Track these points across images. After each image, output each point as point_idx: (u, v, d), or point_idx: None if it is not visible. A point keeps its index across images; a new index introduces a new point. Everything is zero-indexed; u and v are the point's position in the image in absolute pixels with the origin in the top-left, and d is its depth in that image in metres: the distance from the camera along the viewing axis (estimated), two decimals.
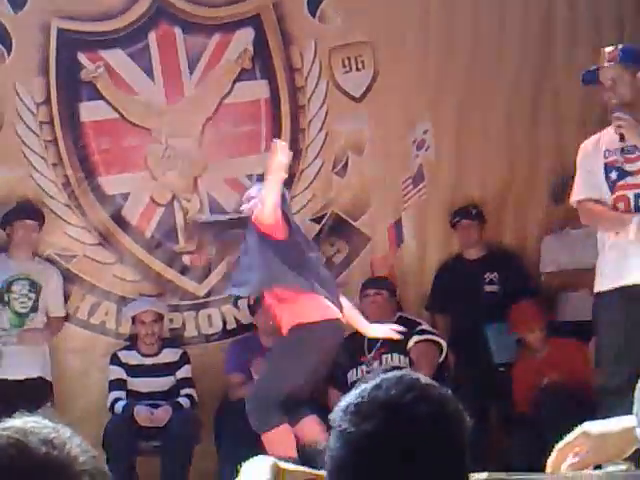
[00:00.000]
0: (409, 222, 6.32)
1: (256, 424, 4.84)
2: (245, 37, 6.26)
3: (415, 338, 5.71)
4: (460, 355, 5.97)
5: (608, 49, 4.71)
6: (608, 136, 4.71)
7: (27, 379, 5.73)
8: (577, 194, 4.74)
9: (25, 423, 1.09)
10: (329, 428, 1.34)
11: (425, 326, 5.85)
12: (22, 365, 5.75)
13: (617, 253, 4.56)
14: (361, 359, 5.82)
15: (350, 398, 1.36)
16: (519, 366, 5.73)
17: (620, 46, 4.74)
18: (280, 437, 4.77)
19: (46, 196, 6.15)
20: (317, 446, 4.10)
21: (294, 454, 4.59)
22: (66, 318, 6.10)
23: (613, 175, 4.60)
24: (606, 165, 4.62)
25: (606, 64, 4.65)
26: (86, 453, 1.09)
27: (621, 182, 4.57)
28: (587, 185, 4.69)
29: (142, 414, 5.69)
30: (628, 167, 4.59)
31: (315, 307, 4.82)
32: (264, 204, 4.76)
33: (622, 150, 4.61)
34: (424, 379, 1.36)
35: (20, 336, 5.83)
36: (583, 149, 4.77)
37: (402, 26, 6.27)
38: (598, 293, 4.62)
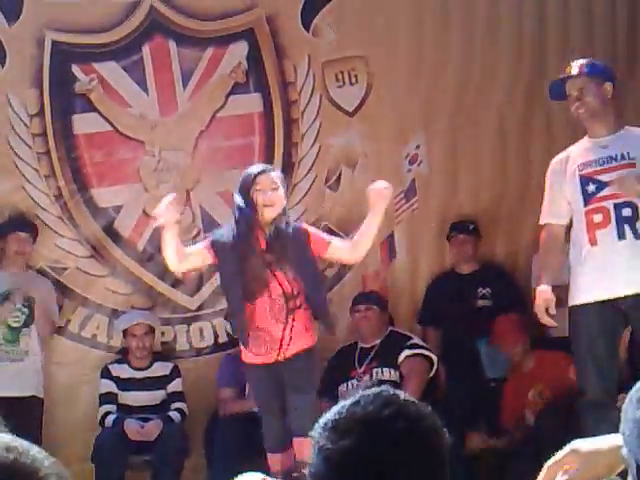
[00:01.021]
0: (401, 236, 6.32)
1: (310, 427, 4.80)
2: (239, 51, 6.28)
3: (406, 352, 5.70)
4: (451, 369, 5.96)
5: (575, 62, 4.75)
6: (579, 149, 4.73)
7: (22, 397, 5.69)
8: (542, 216, 4.85)
9: None
10: None
11: (416, 340, 5.85)
12: (16, 383, 5.73)
13: (593, 265, 4.57)
14: (352, 373, 5.81)
15: (329, 415, 1.36)
16: (509, 384, 5.73)
17: (586, 59, 4.79)
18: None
19: (38, 208, 6.15)
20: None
21: None
22: (61, 332, 6.09)
23: (591, 187, 4.62)
24: (582, 178, 4.65)
25: (574, 74, 4.69)
26: (48, 458, 1.11)
27: (600, 194, 4.59)
28: (551, 208, 4.76)
29: (132, 428, 5.67)
30: (605, 178, 4.61)
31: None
32: None
33: (597, 162, 4.64)
34: (402, 395, 1.36)
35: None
36: (551, 167, 4.81)
37: (395, 41, 6.29)
38: (574, 306, 4.62)
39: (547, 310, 4.59)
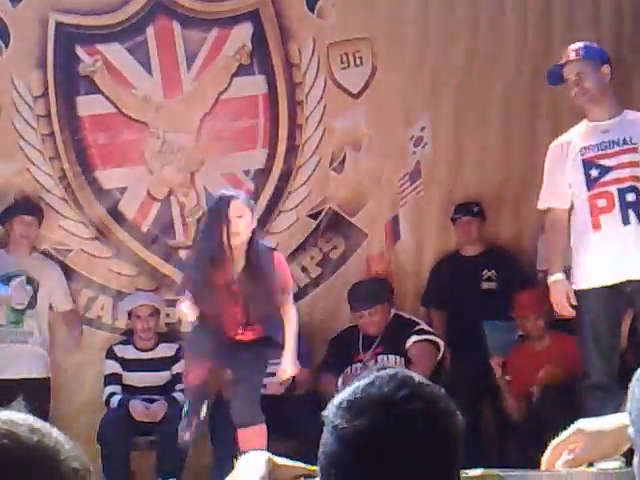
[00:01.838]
0: (406, 219, 6.32)
1: (250, 417, 4.85)
2: (243, 32, 6.26)
3: (413, 338, 5.69)
4: (456, 352, 5.97)
5: (572, 46, 4.74)
6: (579, 133, 4.72)
7: (27, 379, 5.72)
8: (541, 201, 4.83)
9: (6, 415, 1.11)
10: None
11: (423, 326, 5.84)
12: (22, 364, 5.75)
13: (596, 250, 4.57)
14: (355, 357, 5.80)
15: (343, 395, 1.37)
16: (515, 355, 5.70)
17: (582, 43, 4.77)
18: (262, 433, 4.84)
19: (42, 190, 6.15)
20: None
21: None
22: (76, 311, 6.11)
23: (594, 172, 4.61)
24: (584, 162, 4.63)
25: (571, 59, 4.67)
26: (67, 441, 1.12)
27: (604, 178, 4.58)
28: (552, 192, 4.74)
29: (137, 409, 5.69)
30: (608, 162, 4.60)
31: None
32: None
33: (599, 146, 4.63)
34: (417, 377, 1.37)
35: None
36: (551, 151, 4.79)
37: (400, 22, 6.27)
38: (578, 290, 4.62)
39: (567, 299, 4.60)
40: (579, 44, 4.76)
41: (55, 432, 1.11)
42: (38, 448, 1.08)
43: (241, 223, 4.76)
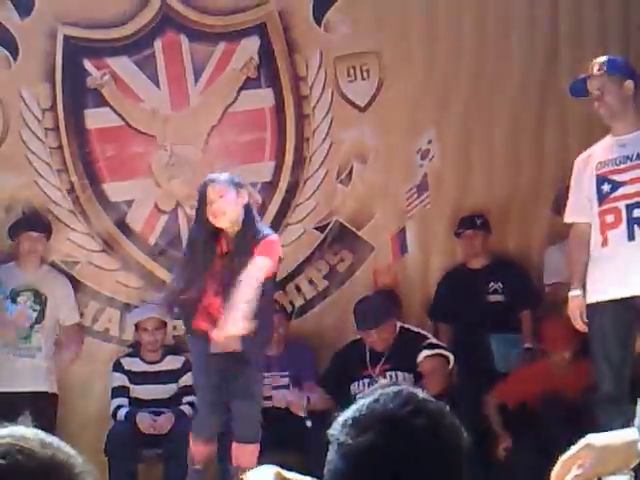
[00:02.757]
0: (413, 231, 6.32)
1: (253, 435, 4.86)
2: (251, 45, 6.28)
3: (425, 352, 5.65)
4: (462, 365, 5.96)
5: (596, 60, 4.75)
6: (601, 147, 4.73)
7: (35, 393, 5.72)
8: (566, 215, 4.85)
9: (17, 430, 1.10)
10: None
11: (432, 339, 5.81)
12: (30, 379, 5.76)
13: (604, 265, 4.58)
14: (363, 372, 5.78)
15: (349, 412, 1.37)
16: (532, 368, 5.61)
17: (606, 57, 4.78)
18: (256, 452, 4.85)
19: (50, 202, 6.17)
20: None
21: None
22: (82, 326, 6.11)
23: (606, 187, 4.63)
24: (598, 177, 4.65)
25: (595, 74, 4.69)
26: (78, 456, 1.12)
27: (614, 194, 4.59)
28: (575, 207, 4.77)
29: (144, 421, 5.69)
30: (619, 178, 4.61)
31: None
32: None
33: (615, 161, 4.64)
34: (421, 394, 1.37)
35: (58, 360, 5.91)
36: (576, 165, 4.82)
37: (408, 36, 6.28)
38: (589, 305, 4.63)
39: (581, 315, 4.61)
40: (603, 58, 4.77)
41: (66, 446, 1.11)
42: (53, 463, 1.08)
43: (223, 203, 4.71)
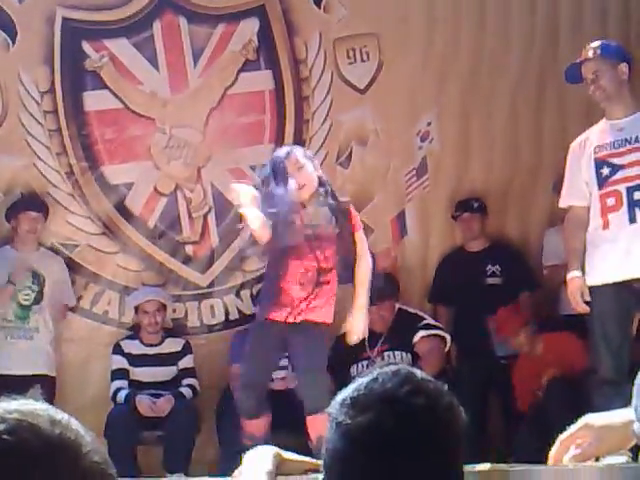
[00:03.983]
0: (412, 214, 6.32)
1: (253, 409, 4.83)
2: (250, 27, 6.26)
3: (421, 333, 5.68)
4: (462, 347, 5.98)
5: (590, 44, 4.74)
6: (597, 131, 4.73)
7: (33, 375, 5.73)
8: (562, 199, 4.84)
9: (25, 405, 1.09)
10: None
11: (429, 320, 5.84)
12: (28, 361, 5.76)
13: (604, 248, 4.58)
14: (362, 354, 5.80)
15: (347, 391, 1.38)
16: (518, 367, 5.72)
17: (600, 42, 4.77)
18: (266, 425, 4.82)
19: (49, 185, 6.17)
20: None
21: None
22: (72, 309, 6.12)
23: (605, 171, 4.62)
24: (596, 160, 4.65)
25: (589, 58, 4.68)
26: (88, 433, 1.11)
27: (614, 177, 4.59)
28: (571, 191, 4.76)
29: (144, 404, 5.70)
30: (618, 161, 4.61)
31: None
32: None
33: (612, 144, 4.63)
34: (420, 373, 1.38)
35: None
36: (571, 150, 4.81)
37: (407, 18, 6.27)
38: (591, 287, 4.63)
39: (581, 296, 4.62)
40: (597, 43, 4.76)
41: (75, 423, 1.09)
42: (60, 441, 1.06)
43: (302, 174, 4.65)
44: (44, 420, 1.07)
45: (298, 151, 4.80)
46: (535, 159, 6.33)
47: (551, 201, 6.18)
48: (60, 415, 1.09)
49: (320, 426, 4.58)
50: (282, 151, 4.83)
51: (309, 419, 4.63)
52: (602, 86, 4.65)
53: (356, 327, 4.76)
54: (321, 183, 4.73)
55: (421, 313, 5.91)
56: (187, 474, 5.51)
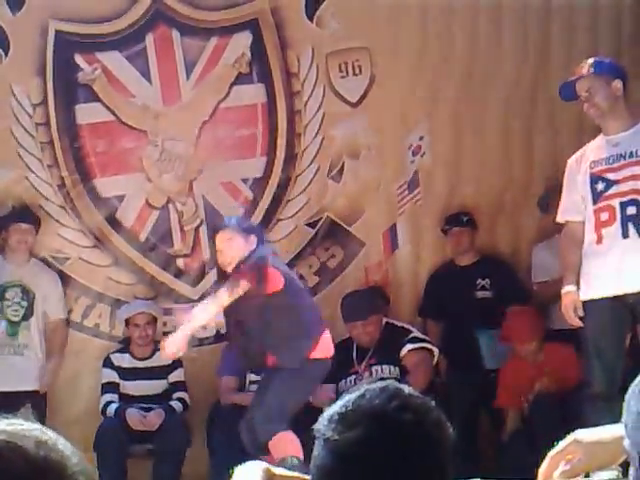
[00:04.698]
0: (404, 228, 6.33)
1: (268, 432, 4.82)
2: (242, 41, 6.27)
3: (408, 347, 5.68)
4: (452, 361, 5.97)
5: (585, 62, 4.76)
6: (593, 147, 4.75)
7: (24, 392, 5.70)
8: (559, 215, 4.86)
9: (13, 426, 1.09)
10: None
11: (416, 333, 5.83)
12: (19, 377, 5.73)
13: (597, 263, 4.59)
14: (350, 369, 5.80)
15: (335, 408, 1.38)
16: (508, 367, 5.69)
17: (593, 59, 4.80)
18: (288, 437, 4.79)
19: (41, 198, 6.16)
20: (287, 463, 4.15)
21: (301, 454, 4.62)
22: (67, 322, 6.09)
23: (600, 186, 4.64)
24: (592, 176, 4.66)
25: (583, 75, 4.70)
26: (74, 453, 1.11)
27: (608, 192, 4.61)
28: (568, 207, 4.77)
29: (134, 417, 5.69)
30: (613, 176, 4.63)
31: (326, 343, 5.01)
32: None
33: (608, 160, 4.65)
34: (407, 389, 1.38)
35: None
36: (568, 165, 4.83)
37: (399, 32, 6.28)
38: (585, 301, 4.63)
39: (575, 311, 4.62)
40: (591, 60, 4.78)
41: (62, 444, 1.10)
42: (45, 463, 1.07)
43: (227, 252, 4.90)
44: (30, 442, 1.08)
45: (231, 225, 5.05)
46: (526, 174, 6.34)
47: (541, 215, 6.21)
48: (47, 436, 1.10)
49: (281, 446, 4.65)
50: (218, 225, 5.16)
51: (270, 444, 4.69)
52: (596, 103, 4.66)
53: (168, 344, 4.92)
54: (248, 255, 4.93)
55: (408, 326, 5.91)
56: None
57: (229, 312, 4.92)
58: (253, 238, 4.94)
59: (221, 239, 4.89)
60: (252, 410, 4.90)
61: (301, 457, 4.60)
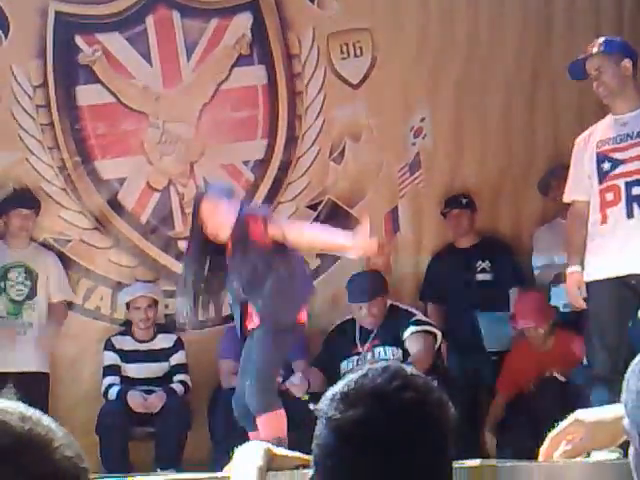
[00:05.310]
0: (405, 210, 6.32)
1: (262, 405, 4.79)
2: (243, 22, 6.25)
3: (411, 329, 5.68)
4: (453, 343, 5.98)
5: (594, 41, 4.74)
6: (601, 126, 4.73)
7: (26, 372, 5.71)
8: (566, 194, 4.83)
9: None
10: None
11: (420, 316, 5.83)
12: (21, 357, 5.74)
13: (602, 243, 4.58)
14: (353, 350, 5.80)
15: (337, 387, 1.39)
16: (515, 353, 5.68)
17: (604, 38, 4.77)
18: (279, 418, 4.77)
19: (42, 180, 6.15)
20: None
21: (285, 435, 4.60)
22: (69, 305, 6.09)
23: (606, 165, 4.62)
24: (598, 155, 4.65)
25: (592, 54, 4.68)
26: (60, 428, 1.11)
27: (613, 172, 4.59)
28: (575, 186, 4.75)
29: (136, 400, 5.70)
30: (620, 156, 4.61)
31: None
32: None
33: (615, 139, 4.63)
34: (409, 369, 1.39)
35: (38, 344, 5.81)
36: (576, 144, 4.81)
37: (401, 12, 6.26)
38: (589, 282, 4.63)
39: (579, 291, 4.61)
40: (601, 39, 4.76)
41: (46, 420, 1.10)
42: (30, 436, 1.07)
43: (216, 219, 4.63)
44: (14, 417, 1.08)
45: (213, 190, 4.81)
46: (528, 156, 6.33)
47: (542, 198, 6.20)
48: (31, 412, 1.10)
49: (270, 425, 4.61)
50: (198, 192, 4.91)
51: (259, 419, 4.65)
52: (605, 82, 4.64)
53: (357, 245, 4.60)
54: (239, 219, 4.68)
55: (412, 309, 5.91)
56: (179, 470, 5.51)
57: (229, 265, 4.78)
58: (235, 199, 4.83)
59: (206, 210, 4.72)
60: (244, 376, 4.82)
61: (285, 438, 4.57)
